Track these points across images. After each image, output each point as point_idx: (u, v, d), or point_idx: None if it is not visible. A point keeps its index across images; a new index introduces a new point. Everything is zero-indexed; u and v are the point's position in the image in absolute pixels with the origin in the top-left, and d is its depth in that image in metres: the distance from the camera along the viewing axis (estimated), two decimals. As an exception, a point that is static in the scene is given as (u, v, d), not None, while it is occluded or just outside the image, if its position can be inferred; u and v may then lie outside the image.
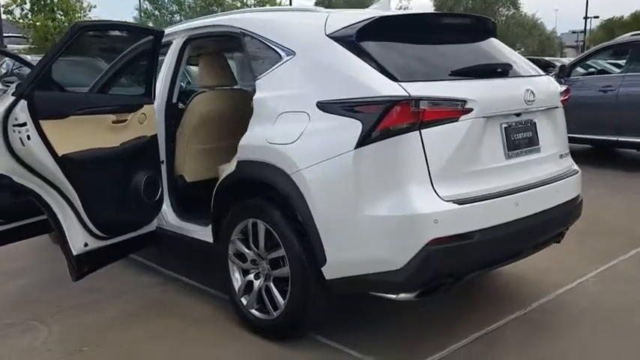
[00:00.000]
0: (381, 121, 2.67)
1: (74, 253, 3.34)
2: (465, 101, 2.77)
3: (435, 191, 2.70)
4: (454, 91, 2.81)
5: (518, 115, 3.04)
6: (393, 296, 2.83)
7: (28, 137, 3.01)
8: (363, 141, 2.70)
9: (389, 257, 2.70)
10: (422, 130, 2.68)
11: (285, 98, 3.04)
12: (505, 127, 2.98)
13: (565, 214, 3.27)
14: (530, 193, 2.98)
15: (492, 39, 3.44)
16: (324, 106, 2.85)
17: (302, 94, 2.97)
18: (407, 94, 2.67)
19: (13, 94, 2.99)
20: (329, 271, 2.87)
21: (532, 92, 3.06)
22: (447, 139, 2.76)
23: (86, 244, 3.40)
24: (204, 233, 3.64)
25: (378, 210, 2.69)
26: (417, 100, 2.67)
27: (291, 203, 2.93)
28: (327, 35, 3.02)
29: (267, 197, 3.11)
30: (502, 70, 3.13)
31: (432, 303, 3.31)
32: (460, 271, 2.86)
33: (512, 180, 2.97)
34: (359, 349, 3.08)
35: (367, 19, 2.98)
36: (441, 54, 3.10)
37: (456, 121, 2.76)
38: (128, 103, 3.57)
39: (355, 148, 2.71)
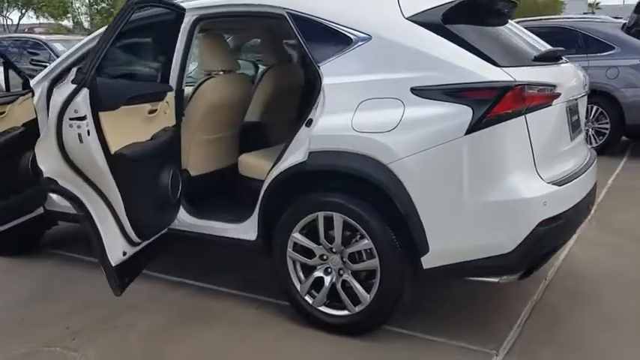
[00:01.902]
0: (493, 107, 2.67)
1: (113, 264, 2.90)
2: (554, 86, 2.87)
3: (539, 174, 2.78)
4: (543, 77, 2.89)
5: (575, 99, 3.21)
6: (496, 279, 2.87)
7: (88, 133, 2.54)
8: (474, 127, 2.67)
9: (500, 241, 2.73)
10: (527, 115, 2.73)
11: (366, 85, 2.90)
12: (568, 111, 3.14)
13: (594, 194, 3.52)
14: (587, 173, 3.17)
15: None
16: (421, 93, 2.77)
17: (390, 80, 2.85)
18: (513, 80, 2.69)
19: (73, 82, 2.50)
20: (429, 260, 2.82)
21: (585, 77, 3.25)
22: (544, 124, 2.84)
23: (124, 253, 2.98)
24: (239, 230, 3.36)
25: (489, 195, 2.70)
26: (525, 85, 2.70)
27: (386, 193, 2.81)
28: (408, 19, 2.93)
29: (346, 189, 2.95)
30: (561, 56, 3.27)
31: (460, 288, 3.40)
32: (549, 253, 2.98)
33: (576, 161, 3.14)
34: (437, 334, 3.07)
35: (450, 3, 2.94)
36: (508, 38, 3.16)
37: (550, 105, 2.85)
38: (159, 91, 3.16)
39: (465, 134, 2.68)
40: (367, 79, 2.91)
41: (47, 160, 2.59)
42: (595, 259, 4.08)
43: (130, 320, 3.28)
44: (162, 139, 3.11)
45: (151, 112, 3.05)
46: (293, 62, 4.69)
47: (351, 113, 2.89)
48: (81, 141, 2.56)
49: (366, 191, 2.90)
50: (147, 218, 3.05)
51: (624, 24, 7.88)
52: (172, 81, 3.42)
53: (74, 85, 2.51)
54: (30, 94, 3.77)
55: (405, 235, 2.86)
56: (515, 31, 3.36)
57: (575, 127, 3.22)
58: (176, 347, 3.02)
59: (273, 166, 3.19)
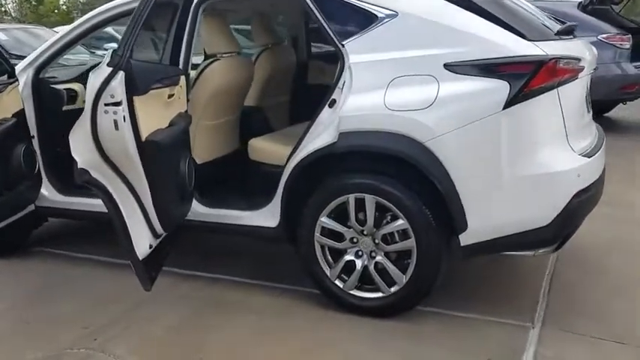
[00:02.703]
0: (530, 81, 2.67)
1: (140, 257, 2.77)
2: (579, 59, 2.90)
3: (571, 147, 2.81)
4: (569, 50, 2.92)
5: (589, 74, 3.26)
6: (531, 253, 2.90)
7: (124, 119, 2.39)
8: (511, 102, 2.67)
9: (538, 215, 2.75)
10: (559, 89, 2.75)
11: (397, 62, 2.85)
12: (586, 85, 3.19)
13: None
14: (603, 146, 3.23)
15: None
16: (455, 69, 2.75)
17: (421, 57, 2.81)
18: (546, 54, 2.70)
19: (109, 64, 2.33)
20: (467, 238, 2.82)
21: (596, 52, 3.31)
22: (572, 97, 2.87)
23: (150, 246, 2.84)
24: (257, 217, 3.26)
25: (526, 169, 2.72)
26: (558, 59, 2.72)
27: (422, 172, 2.79)
28: (434, -6, 2.89)
29: (379, 169, 2.91)
30: (574, 30, 3.32)
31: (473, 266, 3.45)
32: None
33: (592, 134, 3.20)
34: (468, 311, 3.09)
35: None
36: (524, 12, 3.16)
37: (576, 78, 2.88)
38: (176, 74, 3.01)
39: (503, 109, 2.68)
40: (397, 57, 2.86)
41: (81, 149, 2.42)
42: (594, 231, 4.15)
43: (150, 314, 3.14)
44: (180, 126, 2.97)
45: (170, 96, 2.90)
46: (285, 43, 4.58)
47: (383, 91, 2.83)
48: (116, 128, 2.40)
49: (400, 171, 2.87)
50: (171, 209, 2.92)
51: (580, 2, 8.12)
52: (181, 65, 3.26)
53: (109, 69, 2.35)
54: (17, 82, 3.53)
55: (442, 213, 2.84)
56: (523, 6, 3.38)
57: (587, 102, 3.27)
58: (210, 338, 2.91)
59: (294, 150, 3.10)
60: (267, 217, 3.23)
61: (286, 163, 3.13)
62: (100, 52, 9.61)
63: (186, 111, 3.19)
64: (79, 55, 8.57)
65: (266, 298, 3.31)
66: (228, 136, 3.78)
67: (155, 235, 2.87)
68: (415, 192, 2.86)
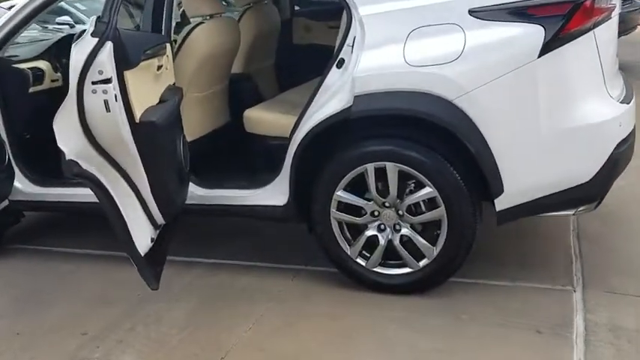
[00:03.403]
0: (567, 24, 2.39)
1: (142, 254, 2.45)
2: (611, -3, 2.63)
3: (609, 94, 2.56)
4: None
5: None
6: (571, 212, 2.66)
7: (116, 98, 2.03)
8: (547, 48, 2.40)
9: (580, 170, 2.52)
10: (595, 30, 2.48)
11: (413, 11, 2.53)
12: (615, 25, 2.91)
13: None
14: (634, 96, 2.98)
15: None
16: (481, 14, 2.45)
17: (441, 4, 2.50)
18: (579, -8, 2.42)
19: (93, 35, 1.96)
20: (504, 201, 2.57)
21: None
22: (606, 39, 2.60)
23: (152, 239, 2.52)
24: (262, 196, 2.96)
25: (566, 122, 2.46)
26: (593, -2, 2.44)
27: (451, 133, 2.51)
28: None
29: (400, 134, 2.62)
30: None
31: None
32: None
33: (622, 81, 2.94)
34: (502, 278, 2.87)
35: None
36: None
37: (610, 18, 2.61)
38: (162, 42, 2.64)
39: (538, 56, 2.40)
40: (414, 5, 2.55)
41: (68, 138, 2.06)
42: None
43: (155, 312, 2.83)
44: (173, 101, 2.62)
45: (158, 68, 2.54)
46: (266, 1, 4.19)
47: (401, 46, 2.53)
48: (107, 109, 2.05)
49: (424, 134, 2.58)
50: (171, 195, 2.59)
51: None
52: (164, 32, 2.88)
53: (95, 40, 1.97)
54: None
55: (473, 177, 2.59)
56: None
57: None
58: (230, 332, 2.63)
59: (300, 119, 2.79)
60: (275, 194, 2.92)
61: (291, 135, 2.81)
62: (51, 27, 8.95)
63: (174, 83, 2.83)
64: (30, 31, 7.96)
65: (280, 281, 3.03)
66: (219, 107, 3.43)
67: (155, 226, 2.55)
68: (442, 156, 2.58)
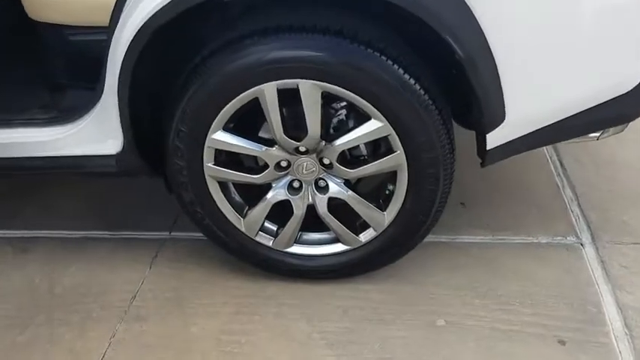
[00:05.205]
0: None
1: None
2: None
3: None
4: None
5: None
6: (595, 135, 1.67)
7: None
8: None
9: (623, 76, 1.50)
10: None
11: None
12: None
13: None
14: None
15: None
16: None
17: None
18: None
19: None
20: (501, 134, 1.52)
21: None
22: None
23: None
24: (74, 139, 1.67)
25: (605, 13, 1.40)
26: None
27: (425, 24, 1.35)
28: None
29: (327, 25, 1.42)
30: None
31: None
32: None
33: None
34: (502, 232, 1.93)
35: None
36: None
37: None
38: None
39: None
40: None
41: None
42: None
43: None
44: None
45: None
46: None
47: None
48: None
49: (370, 26, 1.40)
50: None
51: None
52: None
53: None
54: None
55: (450, 98, 1.50)
56: None
57: None
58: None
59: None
60: (96, 136, 1.65)
61: (112, 26, 1.50)
62: None
63: None
64: None
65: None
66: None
67: None
68: (402, 67, 1.43)
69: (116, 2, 1.49)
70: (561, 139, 1.64)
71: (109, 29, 1.52)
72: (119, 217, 2.10)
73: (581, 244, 1.87)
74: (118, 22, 1.49)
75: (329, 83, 1.43)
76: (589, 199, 2.06)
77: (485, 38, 1.35)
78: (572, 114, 1.53)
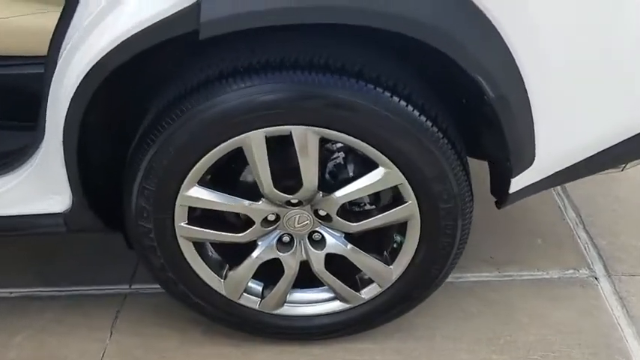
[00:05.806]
0: None
1: None
2: None
3: None
4: None
5: None
6: (619, 167, 1.48)
7: None
8: None
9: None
10: None
11: None
12: None
13: None
14: None
15: None
16: None
17: None
18: None
19: None
20: (527, 176, 1.31)
21: None
22: None
23: None
24: (16, 195, 1.37)
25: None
26: None
27: (449, 59, 1.12)
28: None
29: (322, 62, 1.16)
30: None
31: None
32: None
33: None
34: (510, 269, 1.74)
35: None
36: None
37: None
38: None
39: None
40: None
41: None
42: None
43: None
44: None
45: None
46: None
47: None
48: None
49: (376, 60, 1.16)
50: None
51: None
52: None
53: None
54: None
55: (468, 139, 1.29)
56: None
57: None
58: None
59: (63, 25, 1.19)
60: (37, 194, 1.35)
61: (50, 54, 1.21)
62: None
63: None
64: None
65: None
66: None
67: None
68: (414, 106, 1.19)
69: (53, 35, 1.19)
70: (587, 174, 1.45)
71: (48, 59, 1.23)
72: (69, 268, 1.80)
73: (595, 278, 1.70)
74: (52, 57, 1.20)
75: (335, 130, 1.19)
76: (594, 222, 1.89)
77: (520, 74, 1.13)
78: (603, 149, 1.34)
